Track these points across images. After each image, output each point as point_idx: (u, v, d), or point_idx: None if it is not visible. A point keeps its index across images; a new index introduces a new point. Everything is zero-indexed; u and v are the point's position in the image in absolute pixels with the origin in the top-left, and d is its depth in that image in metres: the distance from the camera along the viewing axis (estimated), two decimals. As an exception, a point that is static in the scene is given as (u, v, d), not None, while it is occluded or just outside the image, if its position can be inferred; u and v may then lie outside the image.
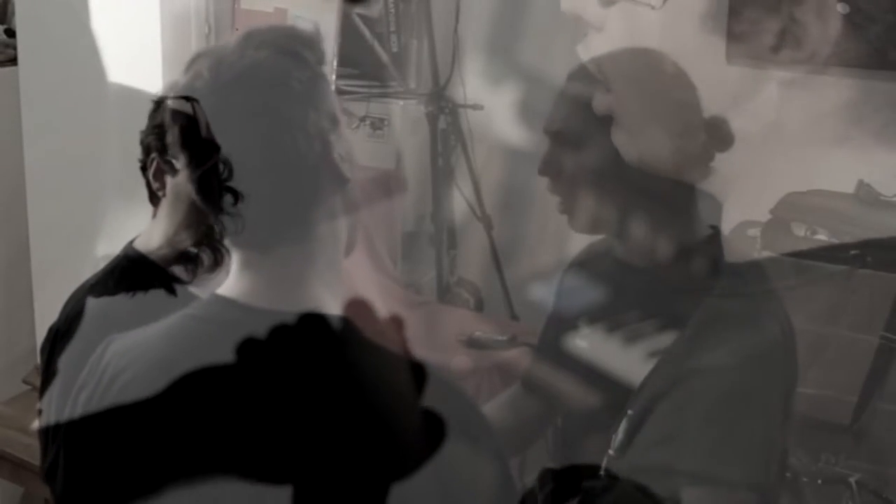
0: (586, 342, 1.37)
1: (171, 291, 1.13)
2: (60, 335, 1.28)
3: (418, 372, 1.01)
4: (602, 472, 1.22)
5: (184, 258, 0.95)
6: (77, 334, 1.24)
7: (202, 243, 0.94)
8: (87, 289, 1.30)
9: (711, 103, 1.27)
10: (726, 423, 1.14)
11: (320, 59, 1.01)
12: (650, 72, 1.26)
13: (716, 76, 1.29)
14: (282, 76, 0.97)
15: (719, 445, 1.13)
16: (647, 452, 1.15)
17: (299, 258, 0.99)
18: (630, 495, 1.13)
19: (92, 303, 1.27)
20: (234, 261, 1.01)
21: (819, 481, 1.98)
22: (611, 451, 1.22)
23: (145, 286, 1.04)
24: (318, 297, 0.99)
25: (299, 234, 0.99)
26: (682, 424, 1.14)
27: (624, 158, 1.20)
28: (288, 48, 0.99)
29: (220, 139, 0.95)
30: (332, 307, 1.00)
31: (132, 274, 1.24)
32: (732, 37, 1.98)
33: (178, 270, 0.95)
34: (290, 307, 0.98)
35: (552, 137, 1.29)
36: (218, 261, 0.94)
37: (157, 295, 1.08)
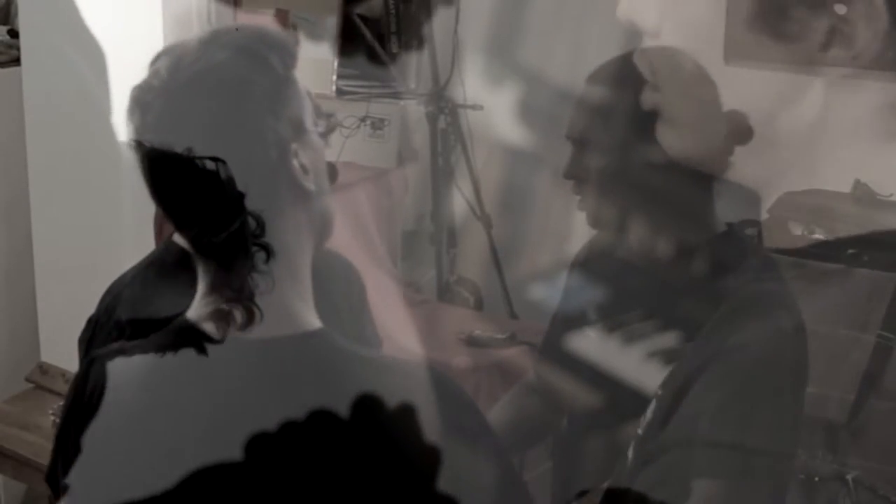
0: (594, 342, 1.38)
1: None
2: (99, 326, 1.29)
3: (414, 374, 1.00)
4: (630, 453, 1.24)
5: (215, 316, 0.94)
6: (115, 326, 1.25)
7: (234, 301, 0.93)
8: (128, 281, 1.31)
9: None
10: (769, 397, 1.17)
11: (288, 64, 0.98)
12: (693, 72, 1.28)
13: (714, 76, 1.31)
14: (240, 79, 0.94)
15: (766, 418, 1.16)
16: (691, 425, 1.15)
17: (265, 273, 0.95)
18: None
19: (131, 294, 1.28)
20: (200, 279, 0.98)
21: (816, 478, 1.99)
22: (639, 431, 1.24)
23: (184, 279, 1.04)
24: (298, 316, 0.98)
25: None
26: (730, 399, 1.16)
27: (668, 153, 1.21)
28: (252, 50, 0.96)
29: (171, 141, 0.92)
30: (307, 319, 0.99)
31: (172, 267, 1.26)
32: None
33: (208, 328, 0.94)
34: (271, 332, 0.95)
35: (575, 143, 1.30)
36: (251, 319, 0.93)
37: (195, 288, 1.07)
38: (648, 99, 1.22)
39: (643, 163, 1.23)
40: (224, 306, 0.93)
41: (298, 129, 0.97)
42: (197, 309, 0.96)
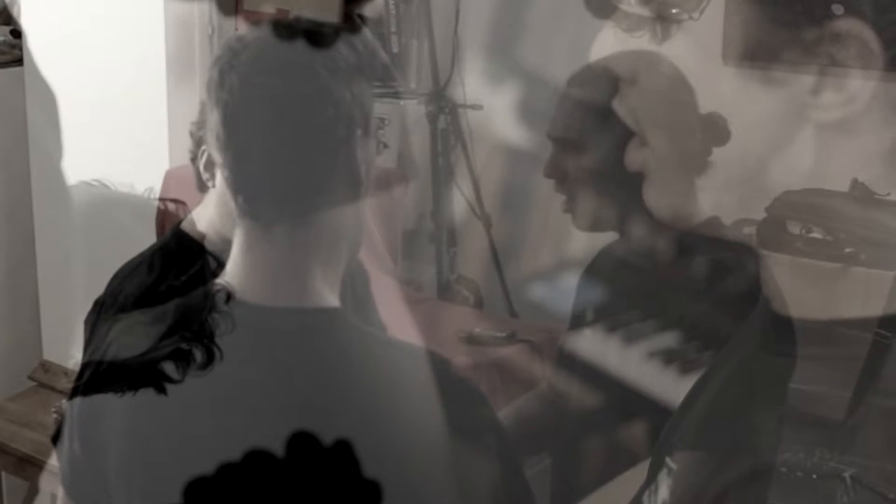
0: (589, 343, 1.39)
1: (213, 273, 1.14)
2: (105, 308, 1.32)
3: (423, 365, 1.02)
4: None
5: (175, 355, 0.96)
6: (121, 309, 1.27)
7: (194, 340, 0.95)
8: (135, 266, 1.34)
9: (707, 102, 1.29)
10: None
11: (372, 64, 1.02)
12: (681, 116, 1.29)
13: (712, 77, 1.32)
14: (331, 48, 0.98)
15: None
16: None
17: (299, 245, 0.99)
18: None
19: (137, 279, 1.31)
20: (235, 243, 1.01)
21: (814, 476, 2.00)
22: None
23: (188, 267, 1.07)
24: (319, 292, 1.00)
25: (302, 214, 0.99)
26: None
27: (654, 214, 1.23)
28: (347, 34, 1.01)
29: (253, 88, 0.96)
30: (327, 297, 1.00)
31: (178, 255, 1.28)
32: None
33: (168, 368, 0.96)
34: (290, 302, 0.99)
35: (555, 142, 1.32)
36: (210, 359, 0.95)
37: (199, 275, 1.10)
38: (634, 158, 1.22)
39: (611, 167, 1.25)
40: (184, 346, 0.95)
41: (366, 120, 1.00)
42: (158, 349, 0.97)
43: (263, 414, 0.96)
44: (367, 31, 1.04)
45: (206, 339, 0.95)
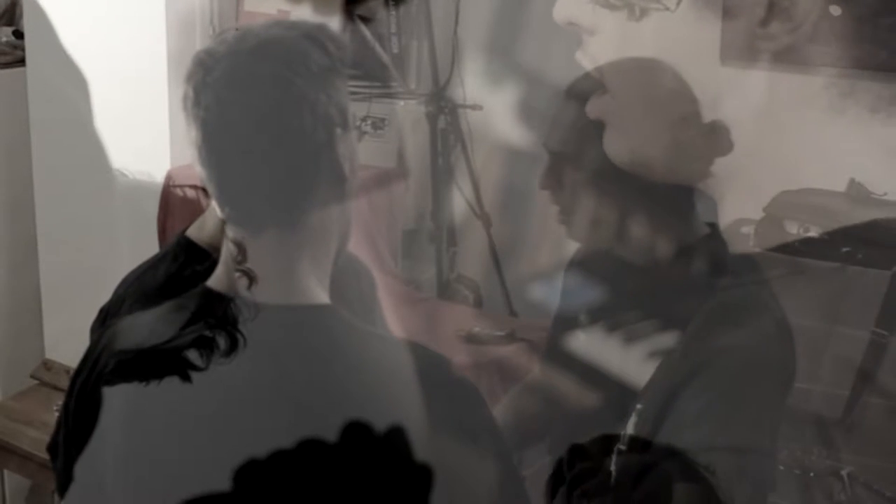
0: (586, 341, 1.40)
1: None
2: (110, 315, 1.32)
3: (415, 364, 1.03)
4: (612, 469, 1.22)
5: (199, 343, 0.96)
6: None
7: (217, 327, 0.96)
8: (141, 272, 1.35)
9: (707, 104, 1.29)
10: (755, 397, 1.16)
11: (343, 58, 1.03)
12: (650, 76, 1.28)
13: (710, 77, 1.32)
14: (302, 54, 0.99)
15: (752, 418, 1.15)
16: (680, 434, 1.14)
17: (288, 246, 1.01)
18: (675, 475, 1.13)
19: (140, 286, 1.32)
20: (224, 245, 1.03)
21: (811, 474, 2.01)
22: (621, 446, 1.23)
23: (194, 273, 1.07)
24: (309, 290, 1.01)
25: (290, 218, 1.00)
26: (715, 402, 1.14)
27: (614, 162, 1.21)
28: (313, 34, 1.01)
29: (229, 105, 0.97)
30: (318, 294, 1.02)
31: (182, 260, 1.29)
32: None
33: (192, 355, 0.97)
34: (280, 300, 1.00)
35: (551, 154, 1.31)
36: (234, 345, 0.96)
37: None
38: (594, 106, 1.21)
39: (609, 176, 1.24)
40: (207, 333, 0.96)
41: (343, 118, 1.01)
42: (181, 336, 0.98)
43: (258, 407, 0.98)
44: (329, 25, 1.05)
45: (229, 325, 0.96)
